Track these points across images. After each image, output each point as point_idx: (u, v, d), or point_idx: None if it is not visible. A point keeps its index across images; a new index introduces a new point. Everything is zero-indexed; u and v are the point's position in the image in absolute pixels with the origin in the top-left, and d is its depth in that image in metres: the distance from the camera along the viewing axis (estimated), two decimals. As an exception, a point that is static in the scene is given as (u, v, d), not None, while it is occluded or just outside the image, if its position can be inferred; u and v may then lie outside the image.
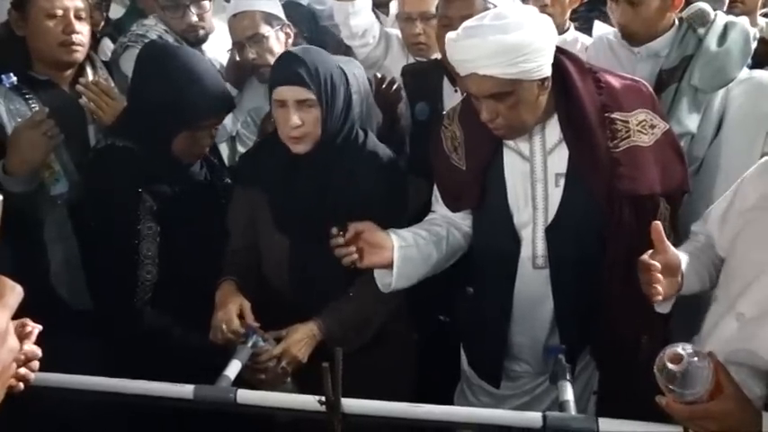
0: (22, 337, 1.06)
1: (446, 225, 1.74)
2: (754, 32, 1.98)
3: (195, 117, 1.72)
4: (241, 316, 1.67)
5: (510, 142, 1.63)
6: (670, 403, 1.10)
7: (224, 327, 1.64)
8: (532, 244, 1.65)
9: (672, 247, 1.40)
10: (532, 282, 1.68)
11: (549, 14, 2.41)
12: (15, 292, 0.58)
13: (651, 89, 1.69)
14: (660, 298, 1.36)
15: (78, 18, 1.91)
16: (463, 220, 1.75)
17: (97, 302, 1.85)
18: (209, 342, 1.67)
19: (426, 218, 1.78)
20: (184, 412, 1.46)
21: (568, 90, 1.56)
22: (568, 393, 1.36)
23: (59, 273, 1.95)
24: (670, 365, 1.07)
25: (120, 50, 2.28)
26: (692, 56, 1.95)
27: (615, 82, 1.61)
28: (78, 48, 1.92)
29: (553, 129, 1.60)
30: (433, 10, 2.25)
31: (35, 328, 1.08)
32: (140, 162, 1.73)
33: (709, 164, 1.99)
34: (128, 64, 2.21)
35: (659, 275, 1.34)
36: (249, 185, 1.80)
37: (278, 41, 2.17)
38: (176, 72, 1.70)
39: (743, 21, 2.00)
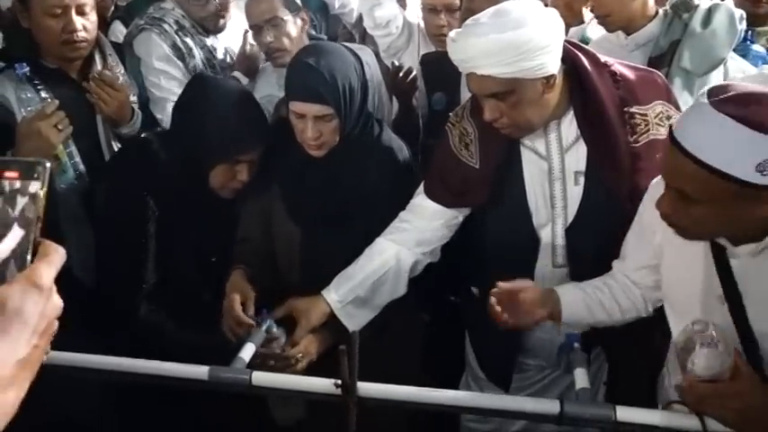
0: None
1: (395, 249, 1.69)
2: (740, 14, 2.00)
3: (234, 149, 1.68)
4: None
5: (526, 141, 1.60)
6: (693, 383, 1.09)
7: (230, 315, 1.64)
8: (552, 244, 1.64)
9: (531, 287, 1.51)
10: (552, 281, 1.66)
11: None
12: (59, 253, 0.62)
13: (665, 79, 1.67)
14: (508, 323, 1.48)
15: (81, 13, 1.86)
16: (428, 234, 1.70)
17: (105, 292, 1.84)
18: (207, 342, 1.67)
19: (373, 246, 1.71)
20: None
21: (584, 86, 1.53)
22: (585, 381, 1.35)
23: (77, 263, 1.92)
24: (696, 339, 1.07)
25: (135, 32, 2.25)
26: (679, 40, 1.97)
27: (631, 74, 1.58)
28: (82, 44, 1.89)
29: (569, 126, 1.57)
30: (458, 2, 2.25)
31: None
32: (161, 167, 1.71)
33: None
34: (142, 47, 2.20)
35: (497, 308, 1.47)
36: (263, 175, 1.79)
37: (295, 26, 2.16)
38: (219, 103, 1.67)
39: (727, 3, 2.03)
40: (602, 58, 1.58)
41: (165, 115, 2.13)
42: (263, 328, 1.59)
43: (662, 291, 1.42)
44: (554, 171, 1.59)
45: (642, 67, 1.68)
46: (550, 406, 1.27)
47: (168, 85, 2.17)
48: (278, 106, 2.12)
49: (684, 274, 1.32)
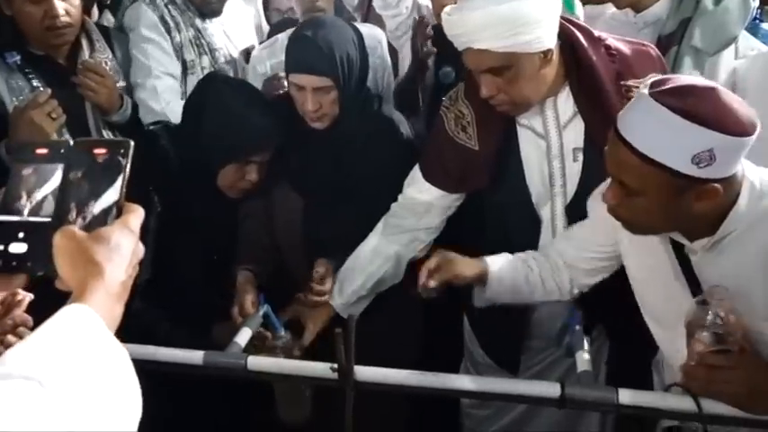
0: (12, 305, 1.08)
1: (394, 249, 1.70)
2: None
3: (248, 150, 1.67)
4: None
5: (523, 119, 1.58)
6: (703, 356, 1.10)
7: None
8: (551, 222, 1.62)
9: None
10: None
11: None
12: (141, 210, 0.76)
13: (658, 52, 1.65)
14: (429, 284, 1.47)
15: None
16: (423, 231, 1.71)
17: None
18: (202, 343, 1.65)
19: (368, 244, 1.71)
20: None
21: (580, 61, 1.51)
22: (587, 364, 1.33)
23: None
24: (715, 307, 1.08)
25: (127, 2, 2.20)
26: (690, 18, 1.92)
27: (625, 48, 1.56)
28: (65, 30, 1.84)
29: (565, 102, 1.55)
30: None
31: (26, 297, 1.09)
32: (170, 163, 1.69)
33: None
34: (132, 18, 2.16)
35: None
36: None
37: None
38: (234, 104, 1.66)
39: None
40: (596, 33, 1.56)
41: (146, 86, 2.07)
42: (260, 313, 1.58)
43: (634, 289, 1.42)
44: (552, 149, 1.57)
45: (636, 40, 1.65)
46: (551, 389, 1.25)
47: (155, 54, 2.11)
48: (271, 79, 2.10)
49: (651, 271, 1.32)
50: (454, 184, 1.66)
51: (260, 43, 2.46)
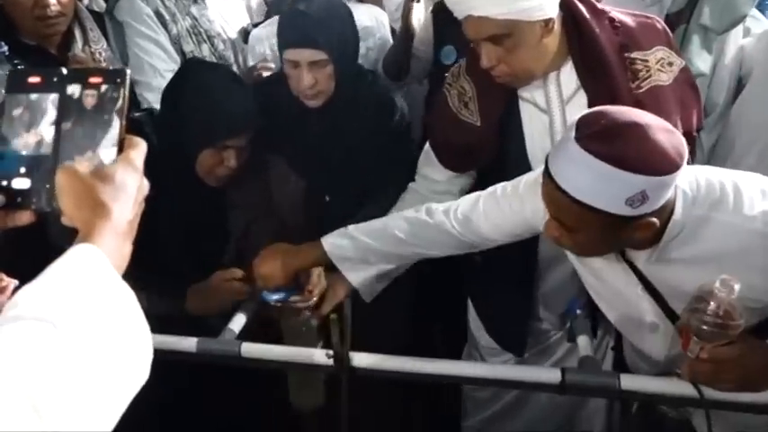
0: None
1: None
2: None
3: (221, 133, 1.62)
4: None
5: (525, 93, 1.54)
6: (713, 352, 1.08)
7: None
8: None
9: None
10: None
11: None
12: (144, 144, 0.74)
13: (664, 24, 1.61)
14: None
15: None
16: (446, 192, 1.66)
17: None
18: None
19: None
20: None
21: (582, 33, 1.48)
22: (588, 349, 1.30)
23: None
24: (722, 296, 1.05)
25: None
26: None
27: (630, 20, 1.53)
28: (57, 20, 1.78)
29: (569, 76, 1.52)
30: None
31: (11, 283, 1.06)
32: (153, 150, 1.64)
33: (735, 117, 1.93)
34: (125, 12, 2.08)
35: None
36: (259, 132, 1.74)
37: None
38: (207, 87, 1.62)
39: None
40: (600, 6, 1.53)
41: (152, 86, 2.02)
42: (258, 300, 1.54)
43: (588, 289, 1.41)
44: (555, 124, 1.53)
45: (641, 13, 1.61)
46: (552, 375, 1.23)
47: (155, 51, 2.05)
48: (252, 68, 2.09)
49: (606, 274, 1.33)
50: (462, 161, 1.64)
51: (254, 23, 2.41)
